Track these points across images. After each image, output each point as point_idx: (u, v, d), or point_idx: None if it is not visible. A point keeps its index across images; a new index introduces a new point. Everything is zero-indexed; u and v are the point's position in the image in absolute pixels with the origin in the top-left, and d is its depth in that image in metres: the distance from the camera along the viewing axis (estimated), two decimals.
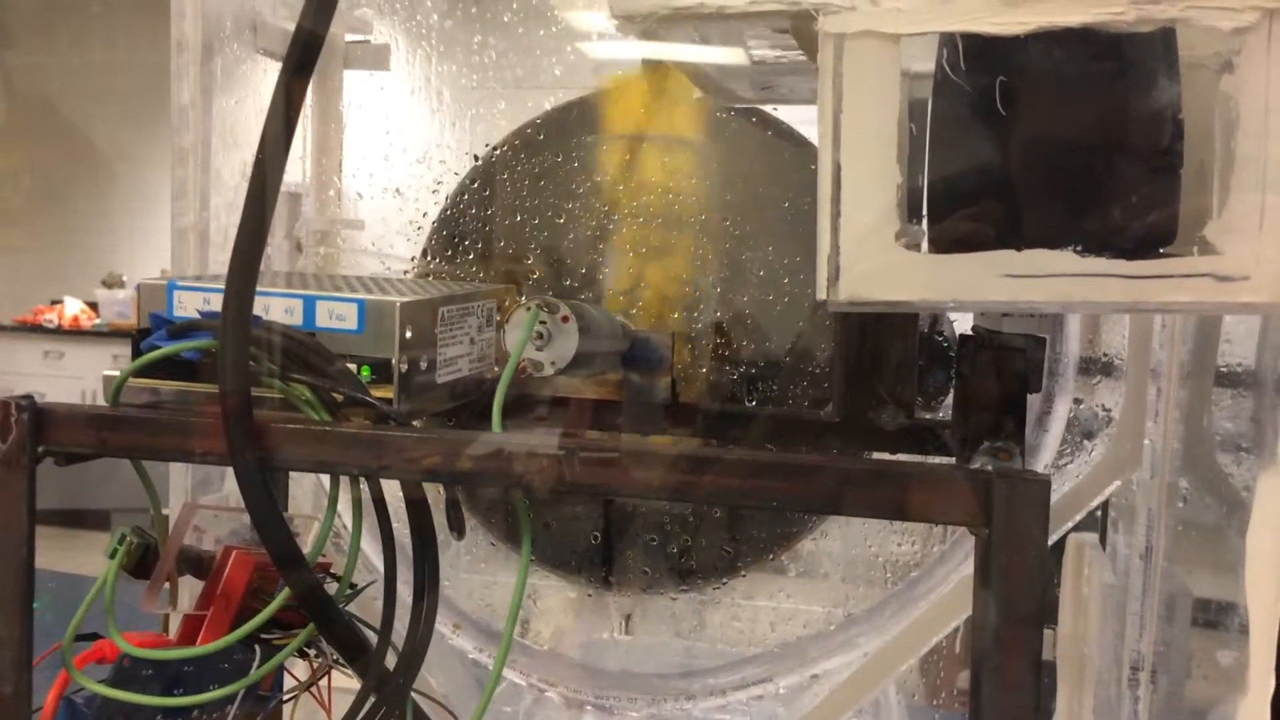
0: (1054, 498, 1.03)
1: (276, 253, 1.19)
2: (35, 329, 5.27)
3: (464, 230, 1.11)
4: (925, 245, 0.65)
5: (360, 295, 0.87)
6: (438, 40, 1.25)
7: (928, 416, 0.96)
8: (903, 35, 0.64)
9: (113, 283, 5.31)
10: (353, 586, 0.91)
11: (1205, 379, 0.98)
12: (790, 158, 1.06)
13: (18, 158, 5.70)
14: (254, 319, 0.80)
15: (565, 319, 0.86)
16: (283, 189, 1.18)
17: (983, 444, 0.67)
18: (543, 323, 0.86)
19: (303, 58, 0.71)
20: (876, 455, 0.96)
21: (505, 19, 1.26)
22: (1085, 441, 1.06)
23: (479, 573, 1.20)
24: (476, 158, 1.13)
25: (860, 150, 0.64)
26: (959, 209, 0.65)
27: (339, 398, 0.79)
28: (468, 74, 1.24)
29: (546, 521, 1.11)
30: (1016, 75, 0.63)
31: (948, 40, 0.65)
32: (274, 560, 0.76)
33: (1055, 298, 0.63)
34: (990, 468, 0.67)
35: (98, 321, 5.16)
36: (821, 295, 0.66)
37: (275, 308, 0.88)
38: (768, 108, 1.06)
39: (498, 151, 1.11)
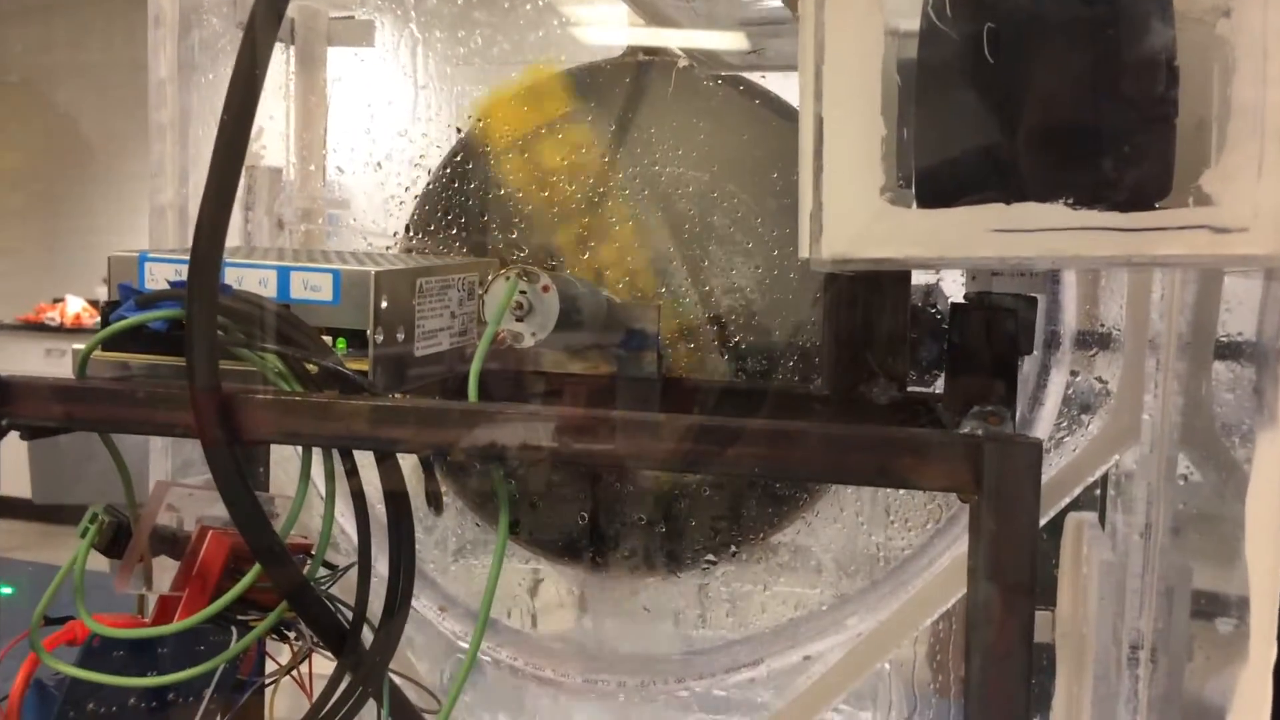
0: (1051, 473, 1.01)
1: (257, 230, 1.17)
2: (38, 327, 5.26)
3: (447, 204, 1.09)
4: (912, 201, 0.62)
5: (336, 265, 0.85)
6: (420, 13, 1.23)
7: (920, 390, 0.94)
8: None
9: None
10: (332, 568, 0.89)
11: (1205, 350, 0.96)
12: (778, 127, 1.03)
13: (18, 157, 5.69)
14: (224, 288, 0.78)
15: (546, 288, 0.84)
16: (264, 164, 1.16)
17: (972, 408, 0.65)
18: (522, 292, 0.84)
19: (268, 13, 0.69)
20: None
21: None
22: (1082, 415, 1.04)
23: (465, 556, 1.18)
24: (459, 130, 1.10)
25: (843, 103, 0.62)
26: (946, 162, 0.62)
27: (312, 369, 0.77)
28: (452, 47, 1.22)
29: (532, 501, 1.09)
30: (1005, 21, 0.61)
31: None
32: (242, 536, 0.74)
33: (1046, 252, 0.60)
34: (980, 432, 0.65)
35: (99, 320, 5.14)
36: (804, 254, 0.64)
37: (249, 279, 0.86)
38: (754, 76, 1.03)
39: (481, 124, 1.09)
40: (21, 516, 4.58)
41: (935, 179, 0.62)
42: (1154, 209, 0.59)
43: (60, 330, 5.24)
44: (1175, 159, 0.60)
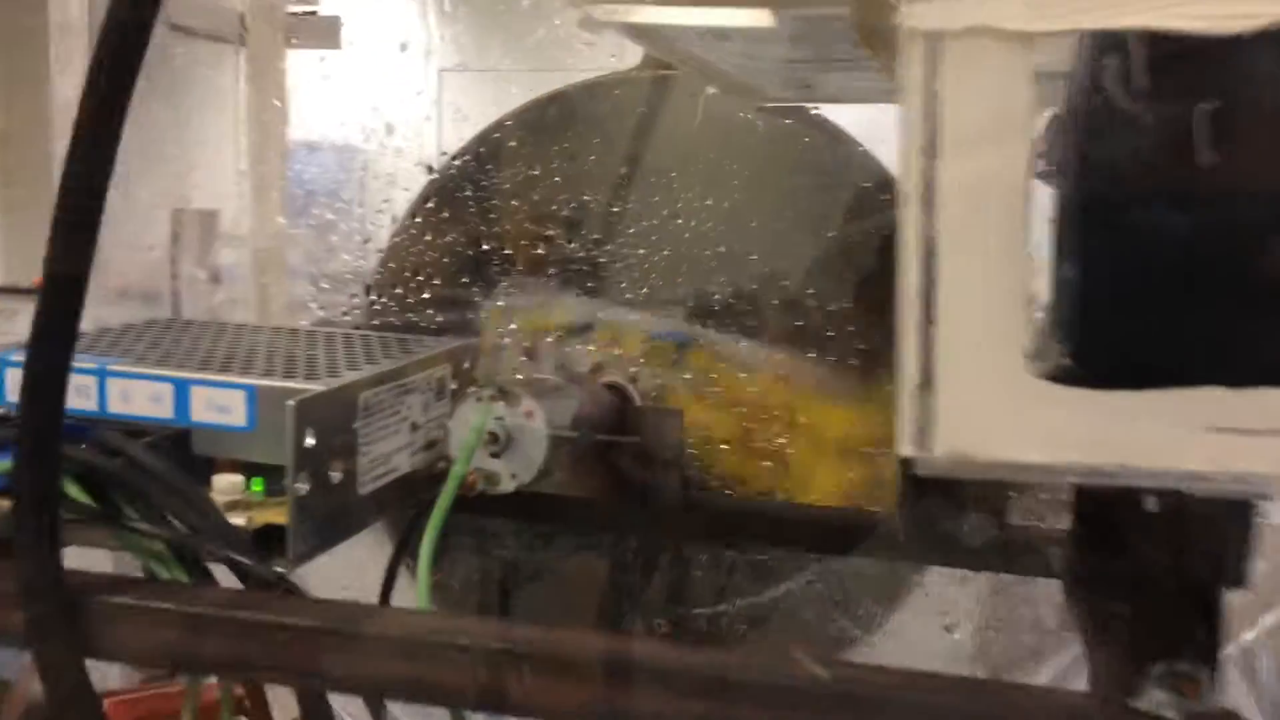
0: None
1: (187, 289, 0.95)
2: None
3: (418, 261, 0.87)
4: (1073, 377, 0.40)
5: (251, 380, 0.64)
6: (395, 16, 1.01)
7: (1025, 523, 0.72)
8: (1039, 34, 0.39)
9: None
10: None
11: None
12: (836, 168, 0.81)
13: (26, 116, 5.51)
14: (78, 431, 0.57)
15: (529, 414, 0.63)
16: (194, 207, 0.94)
17: (1156, 666, 0.43)
18: (499, 418, 0.62)
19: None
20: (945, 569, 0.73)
21: None
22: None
23: None
24: (431, 169, 0.88)
25: (969, 222, 0.40)
26: (1126, 319, 0.40)
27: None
28: (434, 57, 1.01)
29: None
30: (1232, 101, 0.38)
31: (1108, 45, 0.40)
32: None
33: None
34: (1172, 714, 0.43)
35: None
36: (904, 451, 0.41)
37: (138, 394, 0.65)
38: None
39: (457, 163, 0.86)
40: None
41: (1111, 349, 0.40)
42: None
43: None
44: None
